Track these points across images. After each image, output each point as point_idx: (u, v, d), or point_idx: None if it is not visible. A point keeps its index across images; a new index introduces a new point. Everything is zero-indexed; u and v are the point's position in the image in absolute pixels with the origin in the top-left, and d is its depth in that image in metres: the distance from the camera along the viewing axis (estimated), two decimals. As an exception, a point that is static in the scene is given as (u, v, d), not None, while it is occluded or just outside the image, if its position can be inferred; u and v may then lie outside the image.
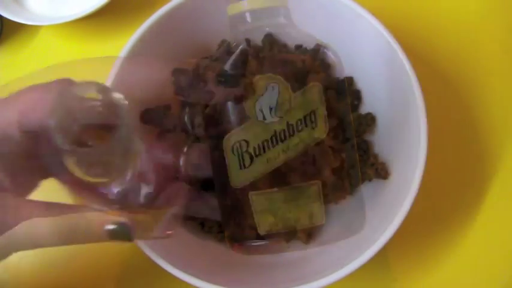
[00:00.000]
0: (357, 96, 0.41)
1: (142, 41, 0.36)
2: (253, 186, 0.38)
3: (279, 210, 0.34)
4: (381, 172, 0.37)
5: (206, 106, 0.40)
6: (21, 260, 0.42)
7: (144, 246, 0.31)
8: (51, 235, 0.23)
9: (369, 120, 0.39)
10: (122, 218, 0.23)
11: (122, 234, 0.23)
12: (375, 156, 0.38)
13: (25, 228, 0.22)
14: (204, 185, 0.39)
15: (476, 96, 0.46)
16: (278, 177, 0.39)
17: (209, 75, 0.38)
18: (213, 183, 0.39)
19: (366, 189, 0.39)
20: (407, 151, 0.34)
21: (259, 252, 0.31)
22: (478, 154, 0.44)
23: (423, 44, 0.48)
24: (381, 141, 0.39)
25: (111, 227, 0.23)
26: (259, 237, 0.39)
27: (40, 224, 0.22)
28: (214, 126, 0.39)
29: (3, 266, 0.42)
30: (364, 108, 0.41)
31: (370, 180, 0.38)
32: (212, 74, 0.40)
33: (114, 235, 0.23)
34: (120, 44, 0.35)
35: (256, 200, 0.34)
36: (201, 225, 0.39)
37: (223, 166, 0.39)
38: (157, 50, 0.38)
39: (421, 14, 0.50)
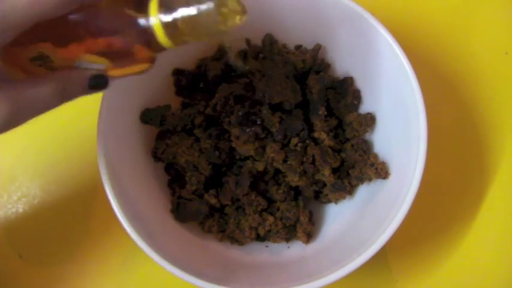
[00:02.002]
0: (356, 96, 0.41)
1: (142, 41, 0.36)
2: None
3: None
4: (381, 172, 0.37)
5: (206, 106, 0.40)
6: (21, 259, 0.42)
7: (144, 246, 0.31)
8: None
9: (369, 120, 0.39)
10: (98, 71, 0.26)
11: (100, 82, 0.26)
12: (375, 156, 0.38)
13: None
14: (205, 185, 0.39)
15: (476, 96, 0.46)
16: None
17: None
18: (213, 182, 0.39)
19: (366, 189, 0.39)
20: (407, 151, 0.34)
21: None
22: (477, 154, 0.44)
23: (423, 44, 0.48)
24: (381, 141, 0.39)
25: (91, 78, 0.26)
26: (259, 237, 0.39)
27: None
28: (215, 126, 0.39)
29: (2, 266, 0.42)
30: (364, 108, 0.41)
31: (370, 180, 0.38)
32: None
33: (93, 84, 0.26)
34: (120, 44, 0.35)
35: None
36: (201, 225, 0.39)
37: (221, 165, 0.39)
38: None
39: (421, 14, 0.50)
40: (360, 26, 0.36)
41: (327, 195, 0.39)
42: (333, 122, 0.40)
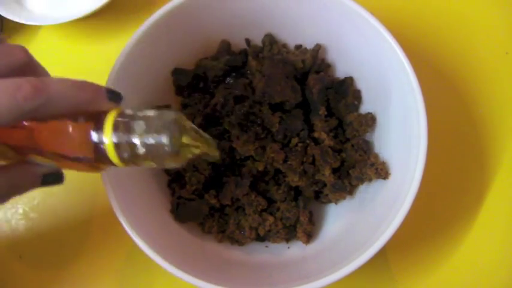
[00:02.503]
0: (357, 96, 0.41)
1: (142, 41, 0.36)
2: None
3: None
4: (381, 172, 0.37)
5: (206, 106, 0.40)
6: (21, 259, 0.42)
7: (144, 247, 0.31)
8: None
9: (369, 120, 0.39)
10: (51, 168, 0.27)
11: (54, 179, 0.27)
12: (375, 156, 0.38)
13: None
14: (205, 185, 0.39)
15: (477, 96, 0.46)
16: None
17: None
18: (213, 182, 0.39)
19: (366, 189, 0.39)
20: (407, 151, 0.34)
21: None
22: (478, 154, 0.44)
23: (423, 44, 0.48)
24: (381, 141, 0.39)
25: (45, 177, 0.27)
26: (259, 237, 0.39)
27: None
28: (215, 126, 0.39)
29: (2, 266, 0.42)
30: (364, 108, 0.41)
31: (370, 180, 0.38)
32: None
33: (47, 181, 0.27)
34: (120, 44, 0.35)
35: None
36: (201, 225, 0.39)
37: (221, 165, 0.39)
38: (157, 49, 0.38)
39: (421, 13, 0.50)
40: (360, 26, 0.36)
41: (327, 195, 0.39)
42: (333, 122, 0.40)
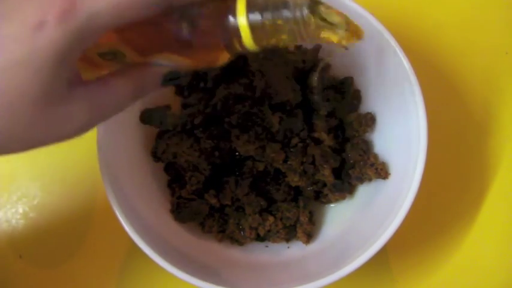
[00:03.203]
0: (357, 96, 0.41)
1: (142, 41, 0.36)
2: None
3: None
4: (381, 172, 0.37)
5: (206, 106, 0.40)
6: (21, 259, 0.42)
7: (144, 247, 0.31)
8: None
9: (369, 120, 0.39)
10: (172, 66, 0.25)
11: (174, 76, 0.26)
12: (375, 156, 0.38)
13: None
14: (205, 185, 0.39)
15: (477, 96, 0.46)
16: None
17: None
18: (213, 182, 0.39)
19: (366, 189, 0.39)
20: (407, 151, 0.34)
21: None
22: (478, 154, 0.44)
23: (423, 44, 0.48)
24: (381, 141, 0.39)
25: (166, 75, 0.25)
26: (259, 237, 0.39)
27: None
28: (215, 126, 0.39)
29: (2, 266, 0.42)
30: (364, 108, 0.41)
31: (370, 180, 0.38)
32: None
33: (166, 81, 0.26)
34: (120, 44, 0.35)
35: None
36: (201, 225, 0.39)
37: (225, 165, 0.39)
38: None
39: (421, 13, 0.50)
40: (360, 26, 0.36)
41: (327, 195, 0.39)
42: (333, 122, 0.40)
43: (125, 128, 0.37)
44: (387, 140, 0.39)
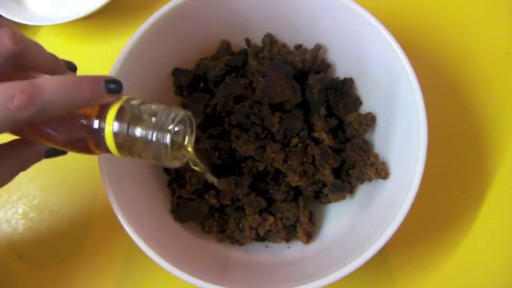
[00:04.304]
0: (356, 96, 0.41)
1: (142, 41, 0.36)
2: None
3: None
4: (381, 172, 0.37)
5: (206, 106, 0.40)
6: (21, 259, 0.42)
7: (144, 247, 0.31)
8: None
9: (369, 120, 0.39)
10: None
11: (57, 152, 0.29)
12: (375, 156, 0.38)
13: None
14: (205, 185, 0.39)
15: (477, 96, 0.46)
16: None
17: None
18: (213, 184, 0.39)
19: (366, 189, 0.39)
20: (407, 151, 0.34)
21: None
22: (478, 154, 0.44)
23: (423, 44, 0.48)
24: (381, 141, 0.39)
25: (47, 152, 0.29)
26: (259, 237, 0.39)
27: None
28: (215, 126, 0.39)
29: (2, 266, 0.42)
30: (364, 108, 0.41)
31: (370, 180, 0.38)
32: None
33: (50, 155, 0.29)
34: (120, 44, 0.35)
35: None
36: (201, 225, 0.39)
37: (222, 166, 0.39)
38: (157, 50, 0.38)
39: (421, 14, 0.50)
40: (361, 26, 0.36)
41: (327, 195, 0.39)
42: (333, 122, 0.40)
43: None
44: (387, 140, 0.39)
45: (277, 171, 0.38)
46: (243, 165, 0.38)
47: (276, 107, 0.38)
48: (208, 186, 0.39)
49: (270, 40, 0.42)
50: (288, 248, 0.39)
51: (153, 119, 0.24)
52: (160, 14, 0.36)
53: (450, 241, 0.42)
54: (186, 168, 0.39)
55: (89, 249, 0.42)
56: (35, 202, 0.44)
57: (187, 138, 0.27)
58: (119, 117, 0.24)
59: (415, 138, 0.33)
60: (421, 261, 0.41)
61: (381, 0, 0.49)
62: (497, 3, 0.50)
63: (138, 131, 0.24)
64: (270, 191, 0.39)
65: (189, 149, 0.27)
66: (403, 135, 0.36)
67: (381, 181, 0.37)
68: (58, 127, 0.25)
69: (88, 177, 0.44)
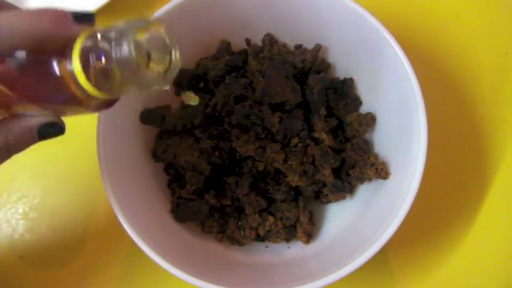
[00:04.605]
0: (356, 96, 0.41)
1: (142, 41, 0.36)
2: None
3: None
4: (381, 172, 0.37)
5: (206, 106, 0.40)
6: (21, 260, 0.42)
7: (144, 247, 0.31)
8: None
9: (369, 120, 0.39)
10: (47, 118, 0.24)
11: (52, 129, 0.25)
12: (375, 156, 0.38)
13: None
14: (205, 185, 0.39)
15: (477, 96, 0.46)
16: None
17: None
18: (213, 182, 0.39)
19: (366, 189, 0.39)
20: (407, 151, 0.34)
21: None
22: (478, 154, 0.44)
23: (423, 45, 0.48)
24: (381, 141, 0.39)
25: (40, 127, 0.24)
26: (259, 237, 0.39)
27: None
28: (215, 126, 0.39)
29: (3, 266, 0.42)
30: (364, 108, 0.41)
31: (370, 180, 0.38)
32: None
33: (44, 133, 0.25)
34: (120, 44, 0.35)
35: None
36: (201, 225, 0.39)
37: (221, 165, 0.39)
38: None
39: (421, 13, 0.50)
40: (361, 26, 0.36)
41: (327, 195, 0.39)
42: (333, 122, 0.40)
43: (125, 128, 0.37)
44: (387, 140, 0.39)
45: (277, 171, 0.38)
46: (243, 165, 0.38)
47: (276, 107, 0.38)
48: (208, 186, 0.39)
49: (270, 40, 0.42)
50: (288, 248, 0.39)
51: (115, 37, 0.21)
52: (160, 14, 0.36)
53: (450, 241, 0.42)
54: (186, 168, 0.39)
55: (89, 249, 0.42)
56: (35, 202, 0.44)
57: (163, 52, 0.23)
58: (84, 49, 0.21)
59: (415, 138, 0.33)
60: (421, 261, 0.41)
61: (381, 0, 0.49)
62: (497, 3, 0.50)
63: (103, 57, 0.21)
64: (270, 191, 0.39)
65: (174, 58, 0.24)
66: (403, 135, 0.36)
67: (381, 181, 0.37)
68: (35, 75, 0.22)
69: (88, 177, 0.44)
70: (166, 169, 0.41)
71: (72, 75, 0.21)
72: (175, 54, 0.24)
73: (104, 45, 0.21)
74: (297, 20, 0.40)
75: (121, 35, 0.20)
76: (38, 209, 0.44)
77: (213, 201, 0.38)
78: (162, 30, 0.23)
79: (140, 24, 0.21)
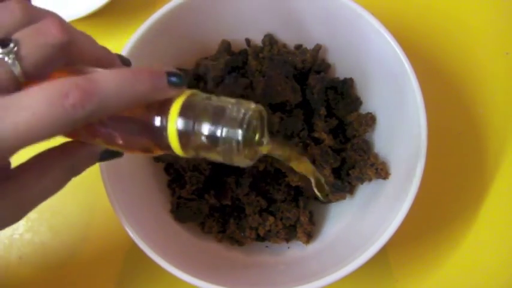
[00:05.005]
0: (357, 96, 0.41)
1: (142, 41, 0.36)
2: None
3: None
4: (381, 172, 0.37)
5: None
6: (21, 260, 0.42)
7: (144, 246, 0.31)
8: None
9: (369, 120, 0.39)
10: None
11: (112, 154, 0.25)
12: (375, 156, 0.38)
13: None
14: (205, 185, 0.39)
15: (477, 96, 0.46)
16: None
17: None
18: (213, 182, 0.39)
19: (366, 189, 0.39)
20: (407, 151, 0.34)
21: None
22: (478, 154, 0.44)
23: (423, 45, 0.48)
24: (381, 141, 0.39)
25: (103, 154, 0.25)
26: (259, 237, 0.39)
27: None
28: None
29: (3, 266, 0.42)
30: (364, 108, 0.41)
31: (370, 180, 0.38)
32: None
33: (105, 158, 0.25)
34: (120, 44, 0.35)
35: None
36: (201, 225, 0.39)
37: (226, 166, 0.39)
38: (157, 50, 0.38)
39: (421, 14, 0.50)
40: (361, 27, 0.36)
41: (326, 195, 0.39)
42: (333, 122, 0.40)
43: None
44: (387, 140, 0.39)
45: (277, 171, 0.38)
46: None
47: (276, 107, 0.38)
48: (208, 186, 0.39)
49: (270, 40, 0.42)
50: (288, 248, 0.39)
51: (222, 114, 0.21)
52: (160, 14, 0.36)
53: (450, 241, 0.42)
54: (186, 168, 0.39)
55: (90, 249, 0.42)
56: (35, 202, 0.44)
57: (258, 134, 0.24)
58: (183, 113, 0.21)
59: (415, 137, 0.33)
60: (421, 261, 0.41)
61: (381, 0, 0.49)
62: (497, 3, 0.50)
63: (206, 128, 0.21)
64: (270, 191, 0.39)
65: (265, 144, 0.24)
66: (403, 135, 0.36)
67: (381, 181, 0.37)
68: (116, 126, 0.22)
69: (89, 177, 0.43)
70: (167, 169, 0.41)
71: (164, 134, 0.21)
72: (265, 139, 0.24)
73: (209, 118, 0.21)
74: (298, 20, 0.40)
75: (234, 118, 0.21)
76: (38, 209, 0.43)
77: (213, 201, 0.38)
78: (264, 113, 0.23)
79: (247, 109, 0.22)
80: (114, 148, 0.24)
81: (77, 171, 0.24)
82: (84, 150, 0.24)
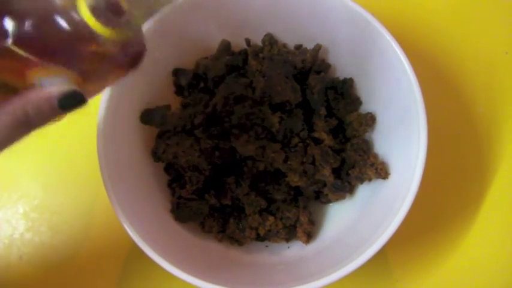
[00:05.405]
0: (357, 96, 0.41)
1: (142, 41, 0.36)
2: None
3: None
4: (381, 172, 0.37)
5: (206, 106, 0.40)
6: (21, 260, 0.42)
7: (144, 246, 0.31)
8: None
9: (369, 120, 0.39)
10: (66, 86, 0.22)
11: (73, 99, 0.23)
12: (375, 156, 0.38)
13: None
14: (205, 185, 0.39)
15: (477, 96, 0.46)
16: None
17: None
18: (213, 182, 0.39)
19: (366, 189, 0.39)
20: (407, 151, 0.34)
21: None
22: (477, 154, 0.44)
23: (423, 44, 0.48)
24: (381, 141, 0.39)
25: (60, 96, 0.22)
26: (259, 237, 0.39)
27: None
28: (215, 126, 0.39)
29: (3, 266, 0.42)
30: (364, 108, 0.41)
31: (370, 180, 0.38)
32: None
33: (66, 104, 0.23)
34: (120, 44, 0.35)
35: None
36: (201, 225, 0.39)
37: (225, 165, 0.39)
38: (157, 50, 0.38)
39: (421, 14, 0.50)
40: (361, 26, 0.36)
41: (327, 195, 0.39)
42: (333, 122, 0.40)
43: (125, 128, 0.38)
44: (387, 140, 0.39)
45: (277, 171, 0.38)
46: (243, 165, 0.38)
47: (276, 107, 0.38)
48: (208, 186, 0.39)
49: (270, 40, 0.42)
50: (288, 248, 0.39)
51: None
52: (161, 14, 0.36)
53: (449, 241, 0.42)
54: (186, 168, 0.39)
55: (90, 249, 0.42)
56: (35, 202, 0.44)
57: None
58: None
59: (415, 138, 0.33)
60: (421, 261, 0.41)
61: (381, 0, 0.49)
62: (497, 3, 0.50)
63: None
64: (270, 191, 0.39)
65: None
66: (403, 135, 0.36)
67: (380, 181, 0.37)
68: (48, 32, 0.22)
69: (88, 177, 0.44)
70: (167, 169, 0.41)
71: (81, 20, 0.22)
72: None
73: None
74: (297, 20, 0.40)
75: None
76: (38, 209, 0.44)
77: (213, 201, 0.38)
78: None
79: None
80: (68, 77, 0.23)
81: (32, 121, 0.22)
82: (38, 93, 0.22)
